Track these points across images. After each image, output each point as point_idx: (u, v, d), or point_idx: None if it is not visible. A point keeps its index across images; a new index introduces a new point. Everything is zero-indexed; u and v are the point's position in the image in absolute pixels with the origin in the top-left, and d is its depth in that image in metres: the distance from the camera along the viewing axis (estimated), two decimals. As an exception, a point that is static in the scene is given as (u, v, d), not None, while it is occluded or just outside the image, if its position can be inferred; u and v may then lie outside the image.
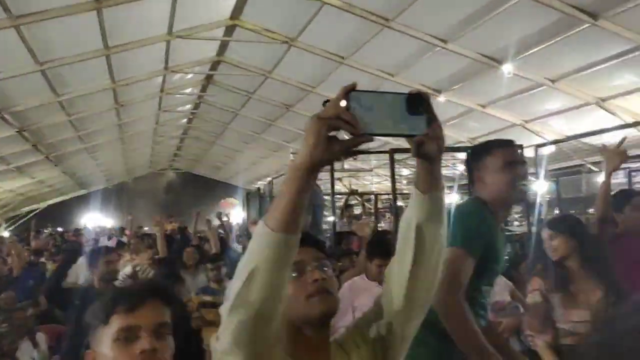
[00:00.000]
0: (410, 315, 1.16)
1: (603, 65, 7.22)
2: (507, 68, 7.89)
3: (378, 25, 7.49)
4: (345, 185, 10.37)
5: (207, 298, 4.33)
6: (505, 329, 2.93)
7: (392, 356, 1.21)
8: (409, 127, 0.94)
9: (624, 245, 2.87)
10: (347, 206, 8.55)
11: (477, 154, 1.99)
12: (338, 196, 10.62)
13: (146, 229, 13.87)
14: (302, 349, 1.19)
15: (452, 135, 11.03)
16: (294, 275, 1.20)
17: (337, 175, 10.61)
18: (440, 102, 9.68)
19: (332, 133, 0.91)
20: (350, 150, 0.91)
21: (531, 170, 6.88)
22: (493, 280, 1.90)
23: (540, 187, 8.49)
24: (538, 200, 9.04)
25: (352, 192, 9.91)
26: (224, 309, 0.94)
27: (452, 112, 10.11)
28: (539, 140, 8.67)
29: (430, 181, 1.05)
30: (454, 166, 11.66)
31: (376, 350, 1.21)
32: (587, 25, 6.41)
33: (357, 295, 3.23)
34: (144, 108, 12.17)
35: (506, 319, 2.96)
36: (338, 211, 8.64)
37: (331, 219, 8.37)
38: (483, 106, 9.69)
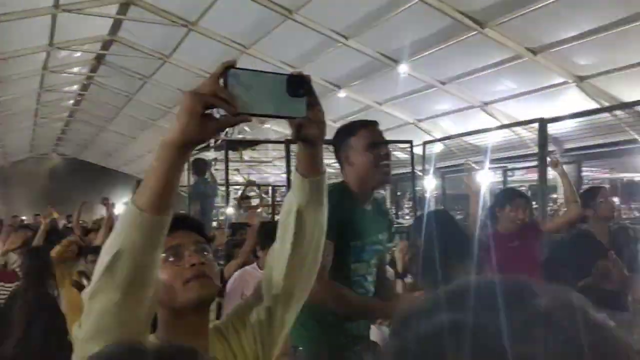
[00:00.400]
0: (290, 300, 1.17)
1: (487, 71, 7.80)
2: (403, 68, 8.26)
3: (281, 15, 7.48)
4: (243, 177, 10.29)
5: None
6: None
7: (271, 340, 1.21)
8: (290, 109, 0.93)
9: (496, 245, 3.06)
10: (245, 197, 8.47)
11: (342, 134, 2.01)
12: (236, 187, 10.49)
13: (24, 218, 12.75)
14: (180, 334, 1.15)
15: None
16: (171, 259, 1.16)
17: (235, 166, 10.48)
18: (340, 98, 9.92)
19: (208, 111, 0.87)
20: (224, 129, 0.88)
21: (420, 167, 7.28)
22: (363, 257, 1.95)
23: (429, 183, 9.03)
24: (427, 195, 9.62)
25: (250, 183, 9.84)
26: (85, 293, 0.89)
27: (351, 108, 10.38)
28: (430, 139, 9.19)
29: (311, 165, 1.05)
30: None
31: (255, 335, 1.21)
32: (474, 32, 6.89)
33: (247, 284, 3.21)
34: (24, 86, 11.15)
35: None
36: (235, 202, 8.54)
37: (230, 210, 8.26)
38: (380, 103, 10.06)
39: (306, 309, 1.82)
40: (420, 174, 7.48)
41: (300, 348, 1.95)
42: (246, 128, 8.86)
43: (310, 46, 8.25)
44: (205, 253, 1.19)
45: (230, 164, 7.93)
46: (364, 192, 1.94)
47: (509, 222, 3.26)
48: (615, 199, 7.91)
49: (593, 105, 7.37)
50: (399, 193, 12.66)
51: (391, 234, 2.20)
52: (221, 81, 0.87)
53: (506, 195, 3.52)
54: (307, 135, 0.99)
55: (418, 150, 7.18)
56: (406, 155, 7.05)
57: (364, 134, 1.97)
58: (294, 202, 1.09)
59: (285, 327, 1.22)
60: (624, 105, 6.99)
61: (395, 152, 10.86)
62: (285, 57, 8.83)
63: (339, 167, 2.05)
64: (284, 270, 1.13)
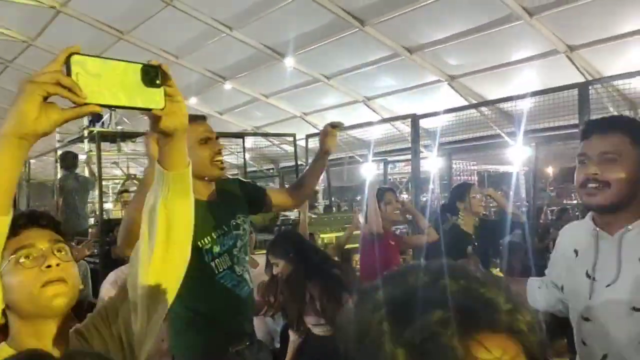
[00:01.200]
0: (156, 295, 1.15)
1: (368, 68, 8.15)
2: (289, 62, 8.35)
3: (161, 1, 7.18)
4: (122, 170, 9.73)
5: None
6: None
7: (138, 337, 1.18)
8: (145, 100, 0.88)
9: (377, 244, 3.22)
10: (124, 192, 8.03)
11: None
12: (116, 181, 9.92)
13: None
14: (36, 341, 1.08)
15: (237, 123, 11.24)
16: (22, 260, 1.08)
17: (114, 159, 9.89)
18: (226, 89, 9.78)
19: (50, 100, 0.81)
20: (70, 120, 0.83)
21: (303, 159, 7.41)
22: (221, 250, 1.93)
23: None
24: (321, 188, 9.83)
25: (129, 177, 9.34)
26: None
27: (238, 100, 10.28)
28: (317, 132, 9.39)
29: (174, 158, 1.03)
30: (239, 153, 11.89)
31: (121, 334, 1.17)
32: (355, 29, 7.15)
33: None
34: None
35: None
36: (115, 197, 8.07)
37: (109, 206, 7.79)
38: (267, 96, 10.08)
39: (176, 311, 1.77)
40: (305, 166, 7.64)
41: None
42: (125, 119, 8.39)
43: (193, 35, 8.02)
44: (62, 253, 1.13)
45: (109, 156, 7.50)
46: (202, 184, 1.91)
47: (386, 220, 3.41)
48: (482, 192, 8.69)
49: (462, 102, 8.01)
50: (286, 185, 12.81)
51: (255, 201, 2.12)
52: (64, 68, 0.81)
53: (379, 192, 3.66)
54: (166, 127, 0.97)
55: (303, 143, 7.31)
56: (292, 148, 7.14)
57: (196, 128, 1.92)
58: (159, 197, 1.06)
59: (152, 323, 1.19)
60: (489, 103, 7.69)
61: (282, 145, 10.95)
62: (166, 45, 8.50)
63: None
64: (149, 268, 1.10)
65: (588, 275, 1.36)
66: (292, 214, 7.14)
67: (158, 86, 0.90)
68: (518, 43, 6.80)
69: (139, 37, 8.25)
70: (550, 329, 2.34)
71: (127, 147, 9.19)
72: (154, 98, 0.89)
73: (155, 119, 0.94)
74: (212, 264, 1.89)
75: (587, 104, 3.75)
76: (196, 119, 1.94)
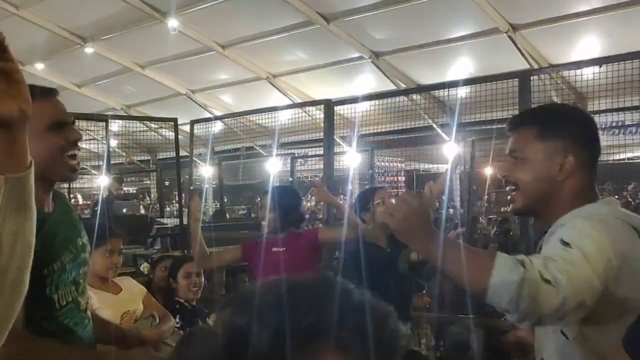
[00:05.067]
0: None
1: (275, 37, 8.22)
2: (173, 23, 8.20)
3: None
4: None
5: None
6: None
7: None
8: None
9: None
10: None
11: None
12: None
13: None
14: None
15: (101, 99, 10.87)
16: None
17: None
18: (87, 54, 9.43)
19: None
20: None
21: (196, 150, 7.34)
22: (67, 278, 1.85)
23: (206, 172, 9.13)
24: (205, 188, 9.71)
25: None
26: None
27: (103, 70, 9.95)
28: (209, 116, 9.33)
29: (10, 156, 1.00)
30: (103, 140, 11.50)
31: None
32: (259, -13, 7.21)
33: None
34: None
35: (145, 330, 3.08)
36: None
37: None
38: (142, 66, 9.84)
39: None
40: (195, 159, 7.55)
41: None
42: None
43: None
44: None
45: None
46: (43, 189, 1.72)
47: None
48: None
49: (389, 85, 8.30)
50: (167, 182, 12.54)
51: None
52: None
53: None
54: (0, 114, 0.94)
55: (187, 129, 7.23)
56: (172, 134, 7.03)
57: (44, 108, 1.73)
58: None
59: None
60: (421, 90, 8.03)
61: (161, 130, 10.75)
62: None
63: None
64: None
65: None
66: (169, 221, 7.05)
67: None
68: (455, 18, 7.19)
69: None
70: None
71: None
72: None
73: None
74: (55, 296, 1.79)
75: (528, 95, 4.05)
76: (44, 94, 1.72)
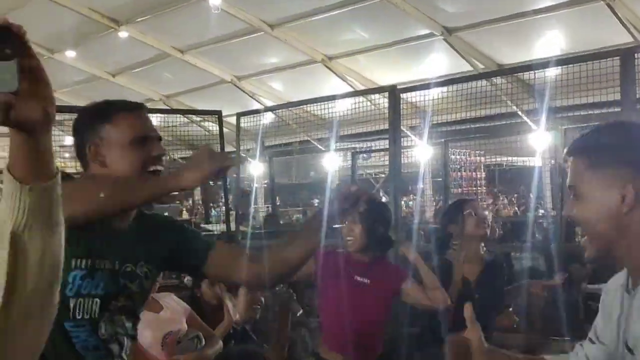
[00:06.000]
0: None
1: (331, 13, 8.17)
2: (215, 1, 8.26)
3: None
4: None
5: None
6: None
7: None
8: None
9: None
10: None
11: (88, 118, 1.93)
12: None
13: None
14: None
15: (137, 89, 11.09)
16: None
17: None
18: (121, 39, 9.64)
19: None
20: None
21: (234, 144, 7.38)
22: (90, 290, 1.87)
23: (256, 170, 9.18)
24: (254, 186, 9.77)
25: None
26: None
27: (139, 56, 10.16)
28: (257, 106, 9.39)
29: (33, 164, 1.00)
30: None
31: None
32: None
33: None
34: None
35: (184, 356, 3.10)
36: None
37: None
38: (182, 51, 9.99)
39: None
40: (243, 155, 7.60)
41: None
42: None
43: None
44: None
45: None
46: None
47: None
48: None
49: (464, 66, 8.15)
50: (211, 183, 12.74)
51: (186, 256, 2.06)
52: None
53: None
54: (22, 119, 0.94)
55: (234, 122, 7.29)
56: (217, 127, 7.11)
57: (127, 121, 1.89)
58: (8, 221, 1.03)
59: None
60: (501, 72, 7.86)
61: (205, 123, 10.89)
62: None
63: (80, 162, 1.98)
64: None
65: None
66: (215, 227, 7.11)
67: (8, 58, 0.88)
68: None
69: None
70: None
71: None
72: (2, 76, 0.87)
73: (6, 107, 0.92)
74: (71, 302, 1.83)
75: (633, 74, 3.91)
76: (130, 107, 1.93)
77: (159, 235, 2.01)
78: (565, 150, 1.47)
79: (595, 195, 1.37)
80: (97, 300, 1.84)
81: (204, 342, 3.04)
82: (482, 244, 3.67)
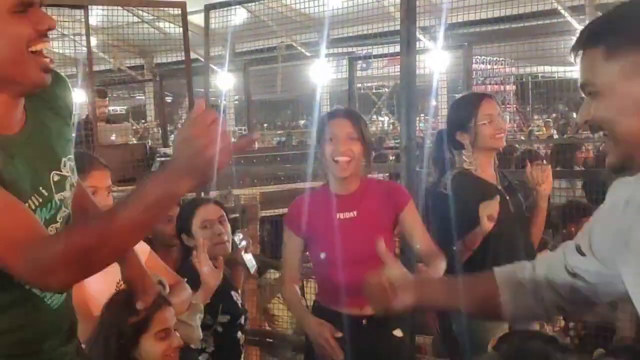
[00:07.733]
0: None
1: None
2: None
3: None
4: None
5: None
6: None
7: None
8: None
9: None
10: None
11: None
12: None
13: None
14: None
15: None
16: None
17: None
18: None
19: None
20: None
21: (200, 52, 7.38)
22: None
23: (225, 82, 9.10)
24: (223, 105, 9.72)
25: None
26: None
27: None
28: None
29: None
30: (78, 37, 11.68)
31: None
32: None
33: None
34: None
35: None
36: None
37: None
38: None
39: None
40: (209, 63, 7.59)
41: None
42: None
43: None
44: None
45: None
46: (5, 101, 1.77)
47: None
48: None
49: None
50: (169, 98, 12.75)
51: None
52: None
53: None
54: None
55: (198, 21, 7.27)
56: (178, 29, 7.06)
57: None
58: None
59: None
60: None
61: (161, 23, 10.82)
62: None
63: None
64: None
65: None
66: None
67: None
68: None
69: None
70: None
71: None
72: None
73: None
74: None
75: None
76: None
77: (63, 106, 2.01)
78: (573, 44, 1.51)
79: (616, 89, 1.41)
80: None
81: (167, 290, 3.03)
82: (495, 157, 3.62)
